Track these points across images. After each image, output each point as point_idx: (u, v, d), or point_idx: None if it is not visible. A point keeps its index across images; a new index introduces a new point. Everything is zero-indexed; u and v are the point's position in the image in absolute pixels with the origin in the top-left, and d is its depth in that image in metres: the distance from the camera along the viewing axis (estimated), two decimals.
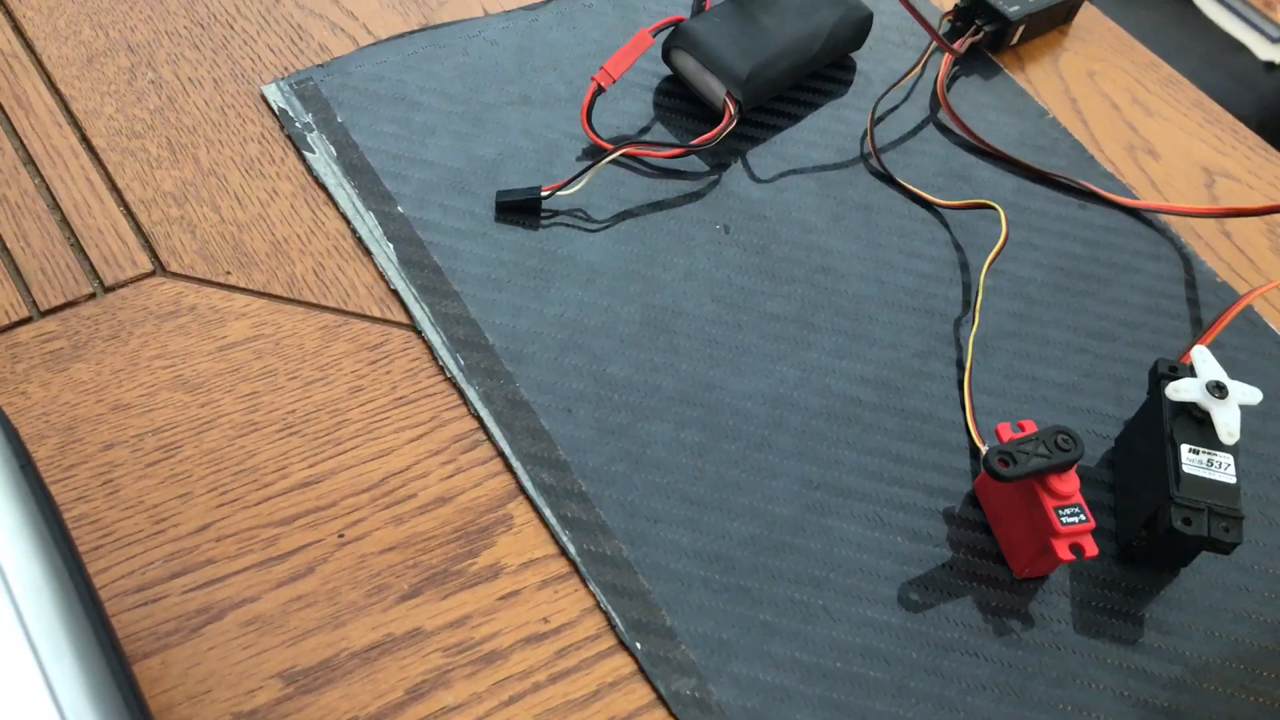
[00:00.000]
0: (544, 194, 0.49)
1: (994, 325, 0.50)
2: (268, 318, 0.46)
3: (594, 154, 0.52)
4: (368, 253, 0.48)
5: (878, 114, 0.56)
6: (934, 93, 0.57)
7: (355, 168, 0.50)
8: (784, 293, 0.49)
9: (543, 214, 0.50)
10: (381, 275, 0.47)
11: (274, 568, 0.40)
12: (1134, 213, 0.54)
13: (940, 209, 0.53)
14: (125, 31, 0.54)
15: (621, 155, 0.52)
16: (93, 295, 0.45)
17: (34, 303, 0.45)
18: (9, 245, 0.46)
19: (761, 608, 0.41)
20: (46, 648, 0.28)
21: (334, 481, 0.42)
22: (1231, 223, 0.55)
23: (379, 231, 0.48)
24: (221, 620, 0.39)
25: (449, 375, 0.45)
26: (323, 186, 0.50)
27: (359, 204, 0.49)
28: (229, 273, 0.46)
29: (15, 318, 0.44)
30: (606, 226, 0.50)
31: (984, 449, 0.45)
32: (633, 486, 0.43)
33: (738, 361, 0.47)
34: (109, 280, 0.46)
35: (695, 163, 0.53)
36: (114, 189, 0.48)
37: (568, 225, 0.50)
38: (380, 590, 0.40)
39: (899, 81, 0.57)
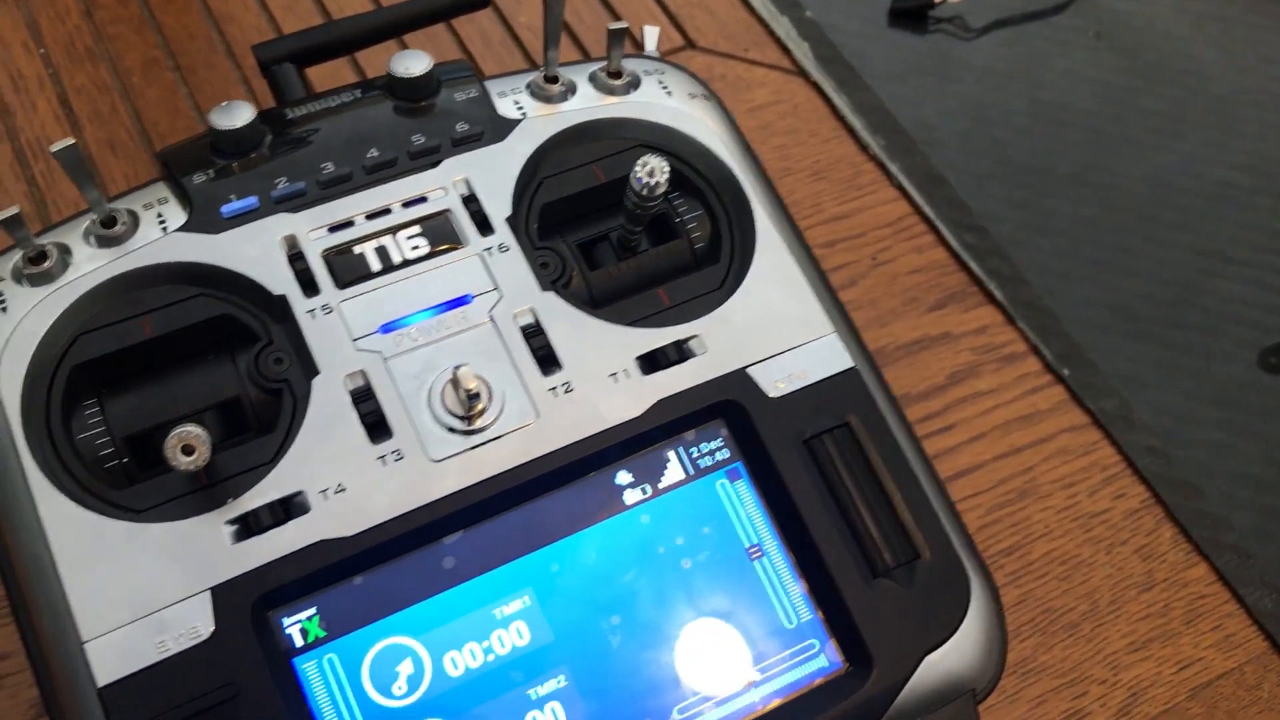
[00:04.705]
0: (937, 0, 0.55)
1: None
2: (783, 86, 0.53)
3: None
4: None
5: None
6: None
7: None
8: (1156, 92, 0.54)
9: (928, 21, 0.56)
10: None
11: None
12: None
13: None
14: None
15: None
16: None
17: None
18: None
19: (1165, 350, 0.47)
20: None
21: (860, 218, 0.50)
22: None
23: (794, 32, 0.55)
24: None
25: (871, 154, 0.52)
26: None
27: (773, 7, 0.55)
28: (747, 49, 0.54)
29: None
30: (985, 32, 0.56)
31: None
32: (1040, 250, 0.49)
33: (1119, 149, 0.53)
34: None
35: None
36: None
37: (949, 33, 0.56)
38: (913, 301, 0.48)
39: None
